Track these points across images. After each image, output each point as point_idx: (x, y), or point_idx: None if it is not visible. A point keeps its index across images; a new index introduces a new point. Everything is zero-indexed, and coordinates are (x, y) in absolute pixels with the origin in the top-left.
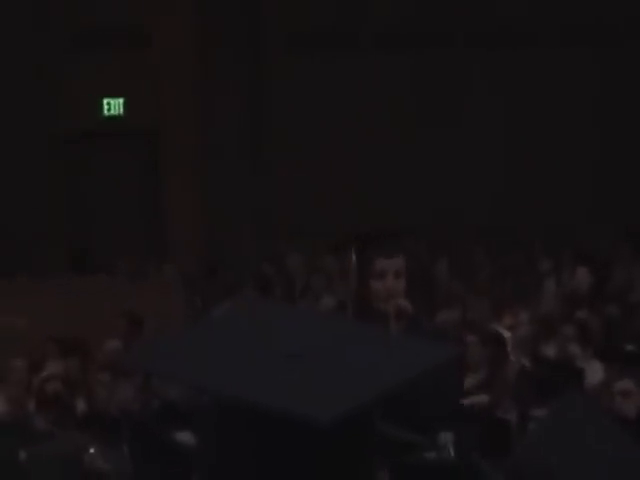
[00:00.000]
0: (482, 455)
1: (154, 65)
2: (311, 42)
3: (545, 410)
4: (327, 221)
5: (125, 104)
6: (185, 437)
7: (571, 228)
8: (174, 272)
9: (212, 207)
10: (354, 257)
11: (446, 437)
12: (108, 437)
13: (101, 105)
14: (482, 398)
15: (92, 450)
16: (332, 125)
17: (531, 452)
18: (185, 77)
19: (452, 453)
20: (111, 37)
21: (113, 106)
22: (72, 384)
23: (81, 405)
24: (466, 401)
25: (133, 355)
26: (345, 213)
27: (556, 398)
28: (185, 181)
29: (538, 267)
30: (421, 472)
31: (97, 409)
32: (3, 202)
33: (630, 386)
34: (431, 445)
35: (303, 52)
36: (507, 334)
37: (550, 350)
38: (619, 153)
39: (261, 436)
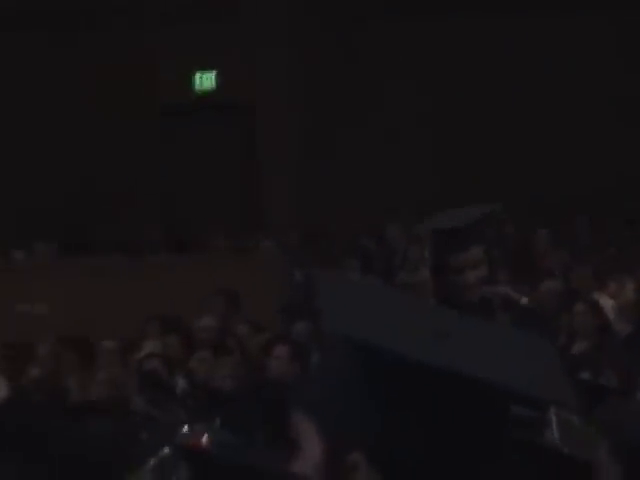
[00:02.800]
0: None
1: (248, 37)
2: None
3: None
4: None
5: (217, 78)
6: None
7: None
8: (272, 246)
9: (307, 181)
10: (428, 253)
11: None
12: (208, 415)
13: (193, 80)
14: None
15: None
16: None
17: None
18: (280, 51)
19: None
20: (201, 8)
21: (205, 80)
22: (171, 362)
23: (181, 383)
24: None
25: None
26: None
27: None
28: (282, 157)
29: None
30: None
31: (197, 387)
32: (101, 177)
33: None
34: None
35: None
36: (611, 302)
37: None
38: None
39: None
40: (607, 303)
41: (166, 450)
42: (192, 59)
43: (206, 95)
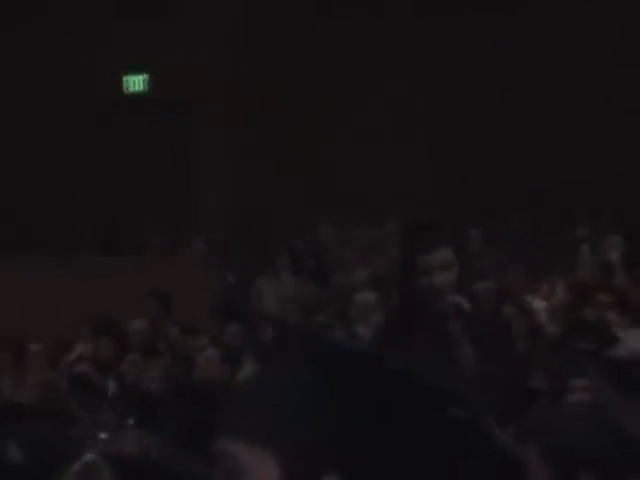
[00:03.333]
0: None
1: (183, 35)
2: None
3: (583, 380)
4: (360, 191)
5: (148, 78)
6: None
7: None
8: (204, 248)
9: (242, 182)
10: (401, 255)
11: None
12: (138, 417)
13: (125, 80)
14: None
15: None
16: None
17: None
18: (216, 45)
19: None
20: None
21: (136, 81)
22: (102, 365)
23: (111, 386)
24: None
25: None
26: (379, 183)
27: (590, 366)
28: (215, 155)
29: (574, 233)
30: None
31: (127, 389)
32: (33, 179)
33: None
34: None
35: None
36: (542, 304)
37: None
38: None
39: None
40: (539, 305)
41: (89, 455)
42: (124, 60)
43: (138, 95)
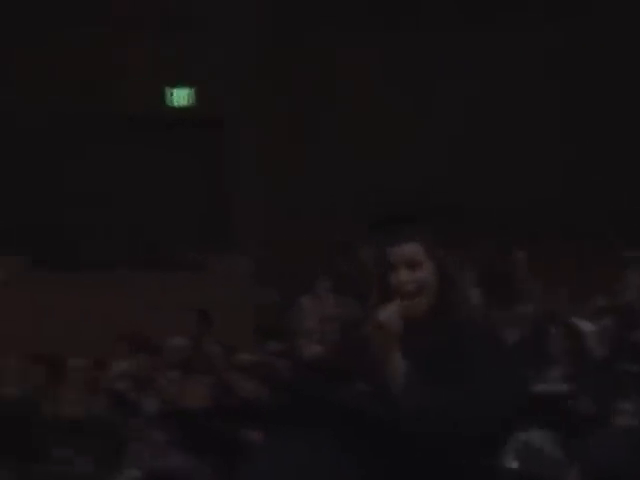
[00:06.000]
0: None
1: (218, 49)
2: None
3: (628, 403)
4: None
5: (190, 93)
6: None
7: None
8: (242, 264)
9: (276, 197)
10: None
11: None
12: (177, 435)
13: (166, 94)
14: (562, 388)
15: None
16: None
17: None
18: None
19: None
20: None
21: (179, 95)
22: (141, 382)
23: (150, 404)
24: (546, 390)
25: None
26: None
27: (636, 388)
28: (254, 170)
29: (618, 256)
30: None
31: (167, 407)
32: (72, 194)
33: None
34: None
35: None
36: (589, 326)
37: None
38: None
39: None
40: (586, 327)
41: (132, 471)
42: (165, 73)
43: (177, 110)
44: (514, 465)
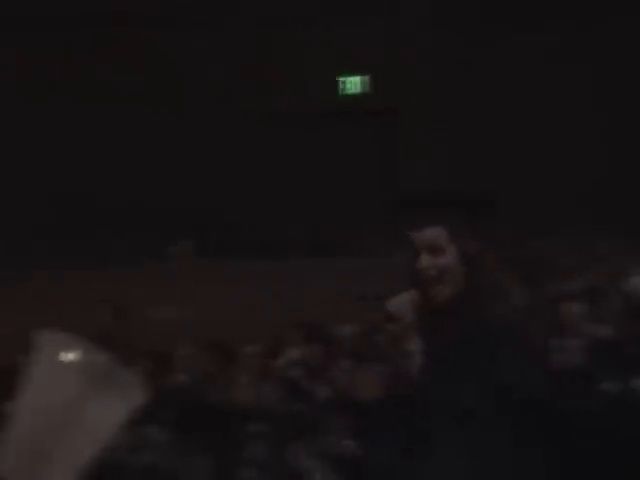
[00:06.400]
0: None
1: (402, 35)
2: None
3: None
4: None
5: (364, 82)
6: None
7: None
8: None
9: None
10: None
11: None
12: (350, 425)
13: (339, 83)
14: None
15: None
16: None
17: None
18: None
19: None
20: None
21: (351, 84)
22: (314, 371)
23: (322, 392)
24: None
25: None
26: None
27: None
28: (427, 157)
29: None
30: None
31: (339, 396)
32: (242, 180)
33: None
34: None
35: None
36: None
37: None
38: None
39: None
40: None
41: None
42: (338, 62)
43: (352, 99)
44: None
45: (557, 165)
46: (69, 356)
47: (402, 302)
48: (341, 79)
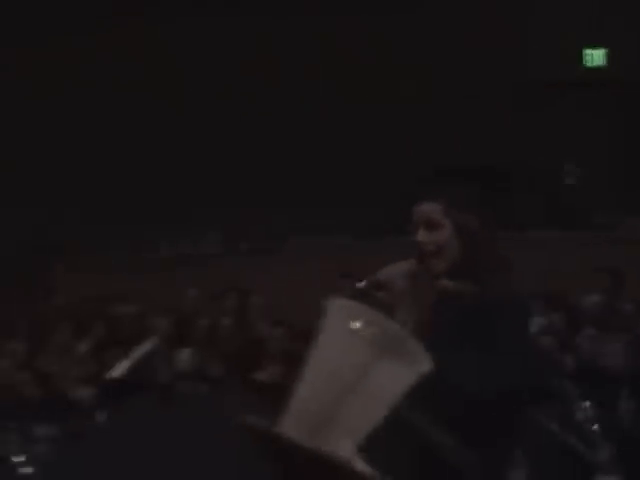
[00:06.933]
0: None
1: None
2: None
3: None
4: None
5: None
6: None
7: None
8: None
9: None
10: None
11: None
12: (597, 393)
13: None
14: None
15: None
16: None
17: None
18: None
19: None
20: None
21: (595, 56)
22: (558, 340)
23: (569, 361)
24: None
25: None
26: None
27: None
28: None
29: None
30: None
31: (584, 365)
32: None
33: None
34: None
35: None
36: None
37: None
38: None
39: None
40: None
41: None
42: (579, 34)
43: (594, 71)
44: None
45: None
46: (358, 324)
47: (394, 271)
48: (585, 51)
